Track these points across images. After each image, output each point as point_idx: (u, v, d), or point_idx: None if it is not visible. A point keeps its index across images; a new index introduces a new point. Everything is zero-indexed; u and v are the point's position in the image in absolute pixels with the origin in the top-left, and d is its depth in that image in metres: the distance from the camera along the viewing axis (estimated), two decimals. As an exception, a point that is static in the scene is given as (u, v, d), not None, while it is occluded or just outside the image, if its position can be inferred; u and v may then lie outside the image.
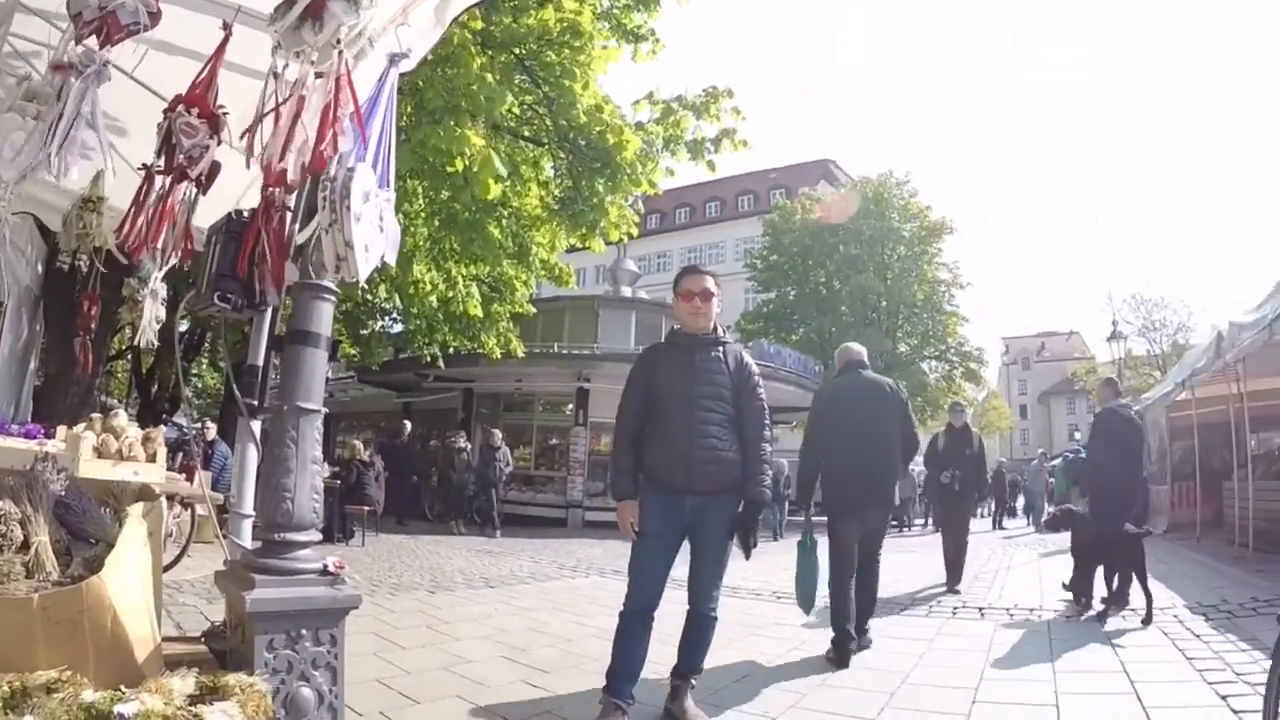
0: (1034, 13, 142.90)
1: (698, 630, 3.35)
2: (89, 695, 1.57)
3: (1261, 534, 8.80)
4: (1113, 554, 5.78)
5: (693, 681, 3.37)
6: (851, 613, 4.57)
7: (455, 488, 14.00)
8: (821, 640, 4.71)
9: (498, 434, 14.48)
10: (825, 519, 4.94)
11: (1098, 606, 5.79)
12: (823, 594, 4.74)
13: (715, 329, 3.47)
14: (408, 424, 16.03)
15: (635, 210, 10.23)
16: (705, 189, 47.93)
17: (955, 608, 6.29)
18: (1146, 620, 5.23)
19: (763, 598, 6.95)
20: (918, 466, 18.16)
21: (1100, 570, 5.88)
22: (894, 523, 17.46)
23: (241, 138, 2.14)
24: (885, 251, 32.92)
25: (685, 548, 3.33)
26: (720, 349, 3.42)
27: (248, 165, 2.17)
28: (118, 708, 1.52)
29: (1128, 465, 6.24)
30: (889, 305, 33.04)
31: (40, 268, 7.71)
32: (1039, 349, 72.75)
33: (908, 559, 10.96)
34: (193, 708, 1.62)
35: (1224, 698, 3.45)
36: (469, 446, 14.54)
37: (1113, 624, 5.42)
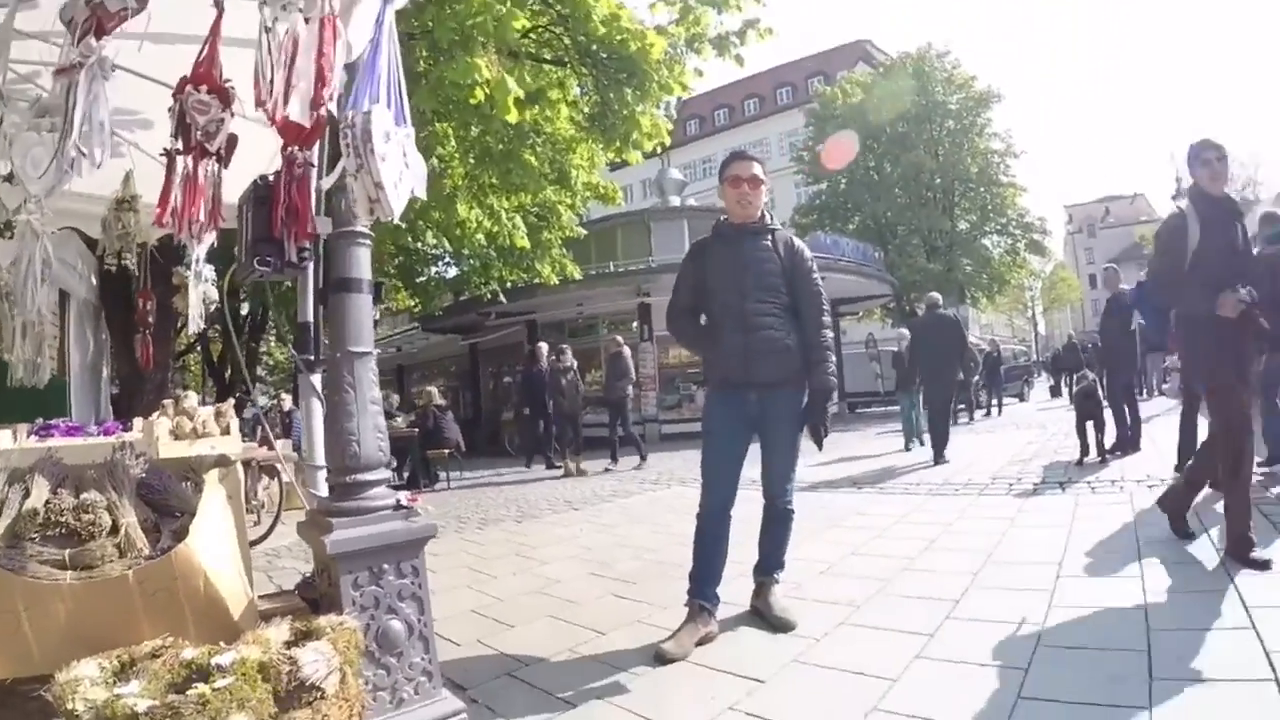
0: None
1: (775, 525, 3.34)
2: (188, 653, 1.66)
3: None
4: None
5: (776, 577, 3.38)
6: (945, 439, 8.50)
7: (566, 416, 11.28)
8: (901, 529, 5.13)
9: (623, 346, 11.71)
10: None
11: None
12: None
13: (763, 217, 3.34)
14: (543, 345, 12.50)
15: (668, 117, 9.93)
16: (741, 86, 46.59)
17: (1035, 484, 6.22)
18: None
19: (840, 489, 6.99)
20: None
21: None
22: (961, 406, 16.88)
23: (257, 107, 2.13)
24: (933, 127, 31.80)
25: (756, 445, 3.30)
26: (770, 236, 3.29)
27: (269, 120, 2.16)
28: (215, 659, 1.60)
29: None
30: (943, 182, 32.04)
31: (95, 280, 7.94)
32: (1103, 215, 69.64)
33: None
34: (288, 651, 1.70)
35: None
36: (575, 364, 11.58)
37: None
